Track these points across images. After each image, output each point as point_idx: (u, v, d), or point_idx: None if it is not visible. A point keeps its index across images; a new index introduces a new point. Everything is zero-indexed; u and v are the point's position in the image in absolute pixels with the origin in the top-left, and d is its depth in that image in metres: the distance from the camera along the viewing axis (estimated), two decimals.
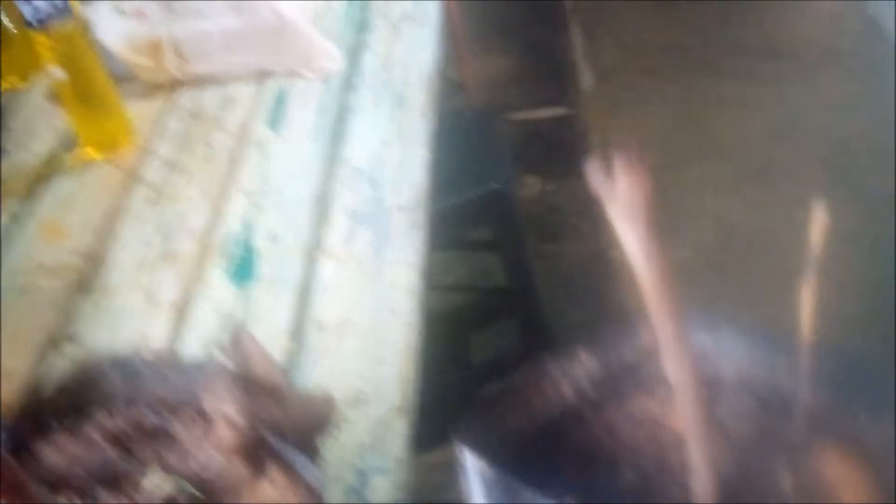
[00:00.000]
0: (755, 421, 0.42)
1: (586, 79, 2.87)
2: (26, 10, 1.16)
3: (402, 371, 0.95)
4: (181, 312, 1.03)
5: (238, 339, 0.45)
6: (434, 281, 2.21)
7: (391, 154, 1.24)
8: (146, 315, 1.03)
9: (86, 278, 1.09)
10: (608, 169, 0.32)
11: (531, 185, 2.52)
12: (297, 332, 1.00)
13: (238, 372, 0.44)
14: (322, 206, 1.16)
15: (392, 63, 1.41)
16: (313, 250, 1.10)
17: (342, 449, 0.88)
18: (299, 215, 1.15)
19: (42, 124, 1.37)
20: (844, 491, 0.37)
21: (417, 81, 1.37)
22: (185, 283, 1.07)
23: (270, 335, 0.99)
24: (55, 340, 1.01)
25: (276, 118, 1.32)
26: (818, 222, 0.35)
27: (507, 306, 2.05)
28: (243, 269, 1.09)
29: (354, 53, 1.44)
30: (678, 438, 0.36)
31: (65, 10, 1.17)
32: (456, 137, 1.82)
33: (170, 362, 0.48)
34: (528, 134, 2.67)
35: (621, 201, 0.32)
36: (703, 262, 2.23)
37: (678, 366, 0.34)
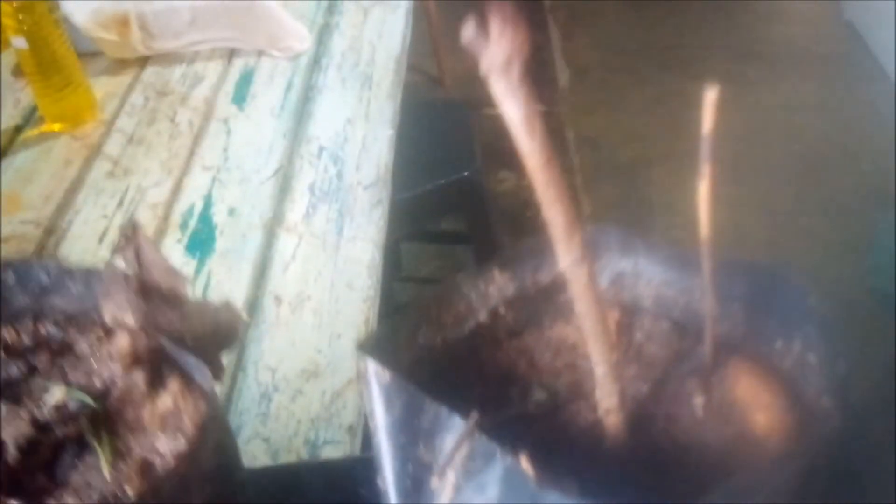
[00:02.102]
0: (670, 344, 0.41)
1: (563, 76, 2.88)
2: None
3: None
4: None
5: (136, 245, 0.44)
6: (407, 273, 2.22)
7: (356, 133, 1.23)
8: None
9: (42, 249, 1.08)
10: (483, 28, 0.32)
11: (506, 181, 2.52)
12: (254, 305, 0.99)
13: (136, 278, 0.44)
14: (284, 182, 1.16)
15: (360, 44, 1.41)
16: (273, 225, 1.10)
17: (296, 422, 0.88)
18: (261, 190, 1.15)
19: (7, 99, 1.36)
20: (755, 410, 0.37)
21: (385, 63, 1.36)
22: None
23: None
24: None
25: (241, 95, 1.32)
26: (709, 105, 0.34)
27: None
28: (202, 242, 1.08)
29: (323, 34, 1.44)
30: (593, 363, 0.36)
31: None
32: (428, 127, 1.83)
33: (70, 271, 0.47)
34: (504, 129, 2.67)
35: (497, 63, 0.32)
36: None
37: (574, 265, 0.33)
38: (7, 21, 1.19)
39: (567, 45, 3.01)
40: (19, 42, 1.19)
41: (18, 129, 1.29)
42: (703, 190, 0.35)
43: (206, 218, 1.11)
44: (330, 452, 0.84)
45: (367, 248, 1.07)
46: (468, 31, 0.32)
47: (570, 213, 0.33)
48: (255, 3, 1.36)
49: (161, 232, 1.09)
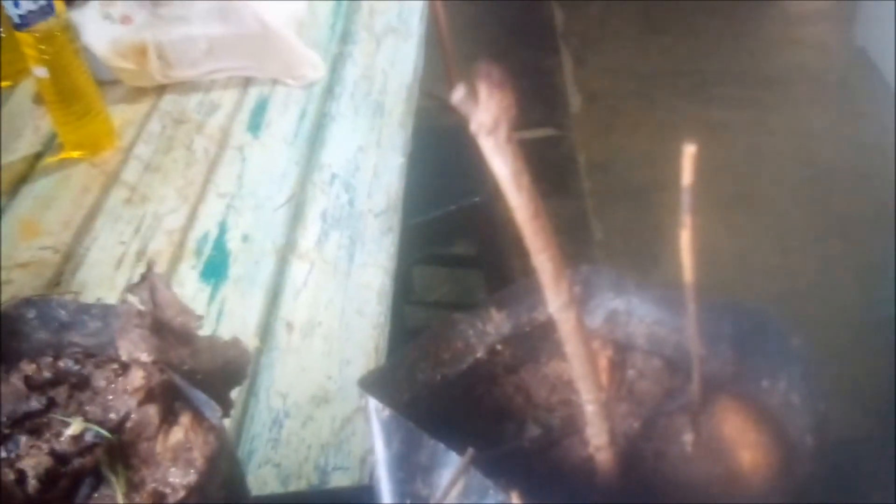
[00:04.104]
0: (661, 381, 0.43)
1: (575, 101, 2.90)
2: (12, 12, 1.17)
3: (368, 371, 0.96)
4: None
5: (149, 281, 0.46)
6: (417, 297, 2.23)
7: (367, 160, 1.25)
8: None
9: (60, 275, 1.10)
10: (473, 94, 0.34)
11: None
12: (266, 331, 1.01)
13: (150, 315, 0.45)
14: (297, 209, 1.18)
15: (373, 73, 1.43)
16: (286, 252, 1.12)
17: (307, 448, 0.89)
18: (274, 217, 1.17)
19: (27, 126, 1.39)
20: (742, 448, 0.38)
21: (397, 91, 1.39)
22: None
23: (239, 333, 1.00)
24: None
25: (256, 123, 1.34)
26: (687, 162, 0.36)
27: None
28: (216, 268, 1.10)
29: (337, 63, 1.46)
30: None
31: (49, 10, 1.18)
32: (440, 152, 1.85)
33: (87, 308, 0.49)
34: (515, 156, 2.70)
35: (486, 123, 0.34)
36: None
37: (562, 310, 0.35)
38: (29, 51, 1.21)
39: (579, 70, 3.03)
40: (40, 72, 1.22)
41: (38, 156, 1.32)
42: (685, 239, 0.37)
43: (220, 244, 1.13)
44: (339, 478, 0.86)
45: (377, 275, 1.09)
46: (459, 93, 0.34)
47: (558, 261, 0.35)
48: (270, 32, 1.39)
49: (176, 259, 1.11)
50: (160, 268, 1.10)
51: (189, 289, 1.07)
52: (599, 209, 2.52)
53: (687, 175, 0.38)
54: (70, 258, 1.13)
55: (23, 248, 1.16)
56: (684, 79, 2.95)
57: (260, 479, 0.84)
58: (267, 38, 1.39)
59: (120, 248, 1.14)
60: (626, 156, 2.69)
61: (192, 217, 1.18)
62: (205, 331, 0.50)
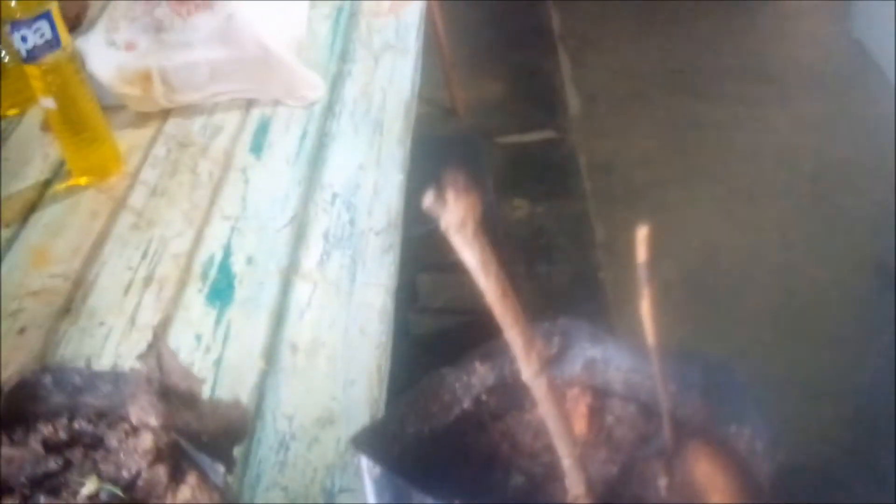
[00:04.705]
0: (637, 426, 0.46)
1: (574, 103, 2.93)
2: (20, 46, 1.21)
3: (372, 391, 1.00)
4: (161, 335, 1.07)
5: (156, 349, 0.50)
6: (423, 304, 2.27)
7: (367, 179, 1.29)
8: (127, 338, 1.07)
9: (70, 301, 1.14)
10: (441, 197, 0.37)
11: (520, 208, 2.57)
12: (272, 353, 1.04)
13: (157, 381, 0.49)
14: (299, 230, 1.21)
15: (372, 90, 1.47)
16: (289, 273, 1.15)
17: (313, 470, 0.92)
18: (277, 238, 1.20)
19: (36, 153, 1.43)
20: (713, 489, 0.42)
21: (396, 108, 1.42)
22: (166, 306, 1.11)
23: (245, 356, 1.04)
24: (38, 362, 1.05)
25: (259, 144, 1.38)
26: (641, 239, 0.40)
27: (495, 327, 2.10)
28: (221, 291, 1.13)
29: (336, 81, 1.50)
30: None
31: (56, 44, 1.22)
32: (442, 157, 1.88)
33: (99, 374, 0.53)
34: (517, 157, 2.73)
35: (454, 223, 0.37)
36: (689, 282, 2.28)
37: (534, 377, 0.38)
38: (36, 83, 1.25)
39: (577, 71, 3.06)
40: (48, 102, 1.26)
41: (47, 183, 1.36)
42: (645, 309, 0.40)
43: (225, 267, 1.17)
44: (346, 500, 0.88)
45: (379, 294, 1.12)
46: (429, 198, 0.37)
47: (527, 335, 0.38)
48: (271, 55, 1.42)
49: (182, 283, 1.15)
50: (167, 292, 1.14)
51: (195, 312, 1.10)
52: (601, 210, 2.55)
53: (641, 253, 0.41)
54: (80, 285, 1.17)
55: (34, 276, 1.19)
56: (682, 77, 2.97)
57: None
58: (268, 61, 1.43)
59: (128, 273, 1.18)
60: (627, 156, 2.72)
61: (197, 240, 1.22)
62: (207, 391, 0.53)
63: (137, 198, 1.31)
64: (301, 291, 1.13)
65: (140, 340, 1.06)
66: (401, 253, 1.20)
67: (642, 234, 0.41)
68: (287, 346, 1.05)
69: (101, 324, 1.10)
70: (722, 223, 2.51)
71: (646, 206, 2.53)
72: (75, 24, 1.61)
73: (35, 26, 1.20)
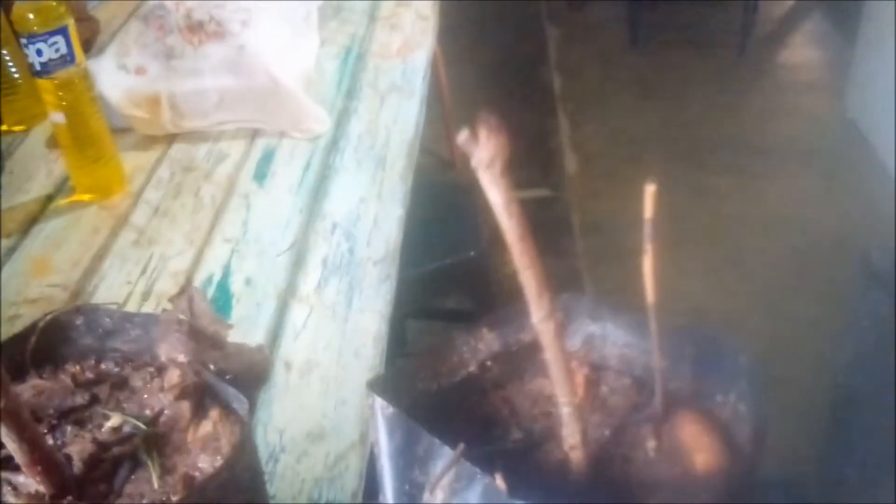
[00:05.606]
0: (630, 396, 0.48)
1: (571, 163, 2.97)
2: (35, 59, 1.23)
3: (363, 411, 1.00)
4: None
5: (189, 295, 0.51)
6: (410, 350, 2.27)
7: (368, 211, 1.30)
8: None
9: None
10: (474, 136, 0.39)
11: (511, 263, 2.58)
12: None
13: (188, 323, 0.51)
14: (298, 255, 1.22)
15: (377, 128, 1.49)
16: (287, 296, 1.16)
17: (301, 482, 0.92)
18: (276, 262, 1.21)
19: (40, 169, 1.44)
20: (696, 452, 0.43)
21: (399, 146, 1.44)
22: None
23: None
24: None
25: (262, 173, 1.39)
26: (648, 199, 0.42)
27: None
28: (219, 309, 1.14)
29: (342, 118, 1.52)
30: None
31: (70, 59, 1.24)
32: (438, 207, 1.90)
33: (130, 316, 0.55)
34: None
35: (484, 160, 0.39)
36: None
37: (543, 320, 0.39)
38: (47, 97, 1.27)
39: (575, 133, 3.11)
40: (58, 117, 1.28)
41: (50, 198, 1.37)
42: (647, 265, 0.42)
43: (223, 287, 1.17)
44: None
45: (374, 320, 1.13)
46: (463, 136, 0.39)
47: (541, 278, 0.40)
48: (280, 87, 1.45)
49: None
50: (163, 307, 1.14)
51: None
52: (592, 269, 2.57)
53: (648, 210, 0.43)
54: (78, 296, 1.17)
55: (33, 285, 1.20)
56: (677, 144, 3.03)
57: None
58: (276, 93, 1.45)
59: (126, 287, 1.19)
60: (619, 218, 2.75)
61: (197, 260, 1.23)
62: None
63: (140, 216, 1.32)
64: (297, 313, 1.13)
65: None
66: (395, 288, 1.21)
67: (650, 191, 0.43)
68: (281, 364, 1.05)
69: None
70: (710, 289, 2.53)
71: (636, 268, 2.55)
72: (86, 47, 1.63)
73: (51, 40, 1.22)
